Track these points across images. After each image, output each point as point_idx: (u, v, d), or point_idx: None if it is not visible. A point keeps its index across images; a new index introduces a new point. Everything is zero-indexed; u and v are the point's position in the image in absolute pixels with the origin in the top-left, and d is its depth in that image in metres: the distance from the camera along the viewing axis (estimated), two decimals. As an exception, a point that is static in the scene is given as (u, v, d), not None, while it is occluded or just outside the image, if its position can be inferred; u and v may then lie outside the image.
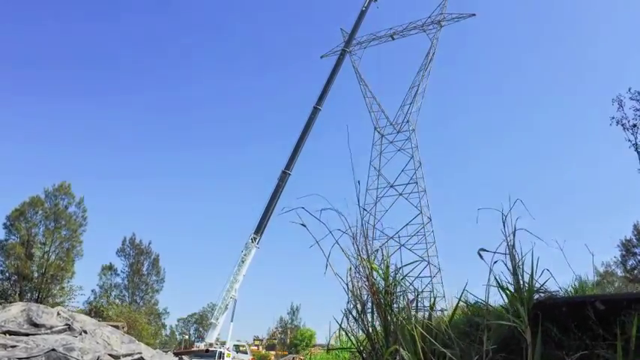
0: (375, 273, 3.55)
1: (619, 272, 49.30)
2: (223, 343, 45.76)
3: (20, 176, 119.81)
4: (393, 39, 75.51)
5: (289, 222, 3.62)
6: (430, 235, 64.65)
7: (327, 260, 3.38)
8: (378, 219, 70.04)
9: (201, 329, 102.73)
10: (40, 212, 42.32)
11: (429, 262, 61.87)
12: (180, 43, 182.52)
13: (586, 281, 3.41)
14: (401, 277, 3.66)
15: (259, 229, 47.96)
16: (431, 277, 61.43)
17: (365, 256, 3.50)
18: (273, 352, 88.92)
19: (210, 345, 44.73)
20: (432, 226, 65.40)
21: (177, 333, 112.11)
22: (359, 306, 3.59)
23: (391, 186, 70.62)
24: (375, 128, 76.91)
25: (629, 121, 3.64)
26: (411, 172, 69.31)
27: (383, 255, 3.58)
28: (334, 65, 59.98)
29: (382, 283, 3.67)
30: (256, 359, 72.36)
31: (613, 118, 3.96)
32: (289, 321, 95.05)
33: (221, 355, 41.72)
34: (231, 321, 48.02)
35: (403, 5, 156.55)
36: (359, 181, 3.79)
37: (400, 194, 70.26)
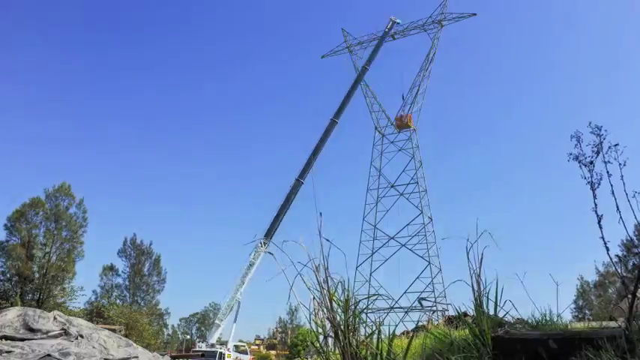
0: (335, 305, 3.54)
1: (621, 272, 49.21)
2: (224, 344, 45.84)
3: (20, 177, 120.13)
4: (394, 39, 75.42)
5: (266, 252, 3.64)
6: (431, 234, 64.66)
7: (291, 289, 3.38)
8: (379, 219, 70.28)
9: (203, 329, 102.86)
10: (40, 213, 42.46)
11: (429, 263, 61.87)
12: (184, 44, 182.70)
13: (546, 315, 3.40)
14: (359, 311, 3.65)
15: (269, 234, 47.91)
16: (432, 277, 61.46)
17: (326, 289, 3.49)
18: (273, 352, 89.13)
19: (212, 345, 44.81)
20: (433, 225, 65.42)
21: (179, 333, 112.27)
22: (321, 336, 3.58)
23: (392, 186, 70.59)
24: (376, 128, 76.84)
25: (585, 158, 3.57)
26: (411, 172, 69.34)
27: (344, 288, 3.57)
28: (354, 81, 60.43)
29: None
30: (257, 359, 72.46)
31: (570, 154, 3.93)
32: (289, 321, 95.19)
33: (221, 355, 41.79)
34: (234, 322, 48.15)
35: (404, 5, 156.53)
36: (321, 213, 3.78)
37: (401, 194, 70.23)
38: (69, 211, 44.48)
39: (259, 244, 46.80)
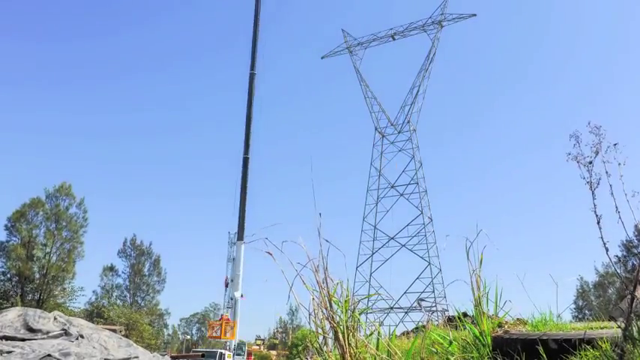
0: (335, 305, 3.54)
1: (621, 272, 49.36)
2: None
3: (20, 177, 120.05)
4: (394, 39, 75.56)
5: (256, 249, 3.62)
6: (431, 235, 64.67)
7: (291, 289, 3.38)
8: (379, 219, 70.35)
9: (203, 329, 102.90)
10: (40, 213, 42.49)
11: (429, 263, 61.88)
12: (177, 34, 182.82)
13: (546, 315, 3.42)
14: (360, 312, 3.65)
15: (241, 233, 47.64)
16: (432, 277, 61.50)
17: (325, 289, 3.48)
18: (274, 352, 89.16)
19: (214, 345, 44.74)
20: (433, 226, 65.46)
21: (179, 333, 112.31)
22: (320, 337, 3.58)
23: (392, 186, 70.67)
24: (376, 129, 76.99)
25: (584, 158, 3.52)
26: (411, 172, 69.40)
27: (342, 289, 3.56)
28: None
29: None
30: (257, 359, 72.40)
31: (569, 154, 3.87)
32: (289, 321, 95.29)
33: (222, 355, 41.66)
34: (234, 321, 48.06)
35: (403, 5, 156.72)
36: (320, 213, 3.79)
37: (401, 195, 70.25)
38: (69, 211, 44.61)
39: (235, 237, 46.98)
